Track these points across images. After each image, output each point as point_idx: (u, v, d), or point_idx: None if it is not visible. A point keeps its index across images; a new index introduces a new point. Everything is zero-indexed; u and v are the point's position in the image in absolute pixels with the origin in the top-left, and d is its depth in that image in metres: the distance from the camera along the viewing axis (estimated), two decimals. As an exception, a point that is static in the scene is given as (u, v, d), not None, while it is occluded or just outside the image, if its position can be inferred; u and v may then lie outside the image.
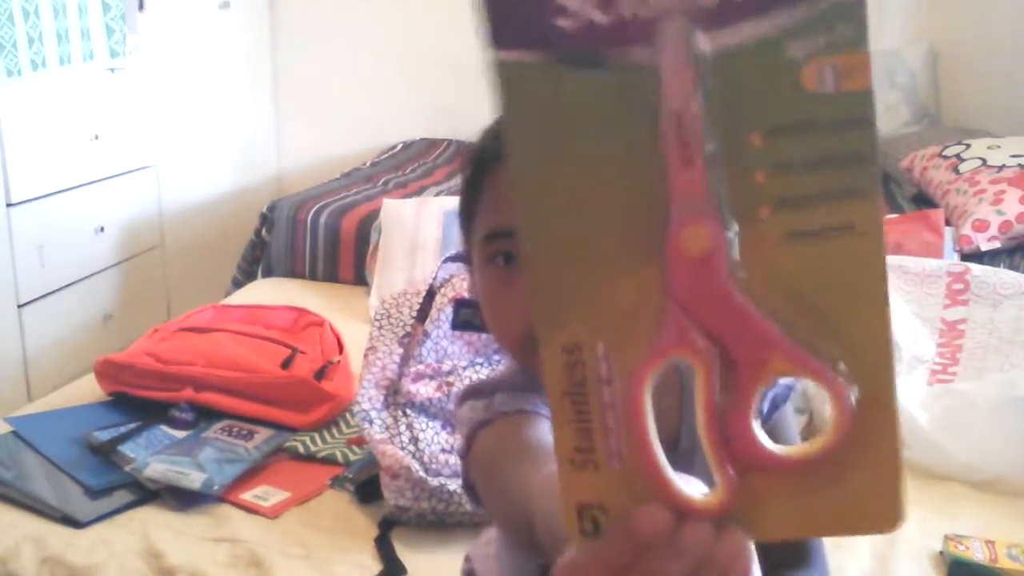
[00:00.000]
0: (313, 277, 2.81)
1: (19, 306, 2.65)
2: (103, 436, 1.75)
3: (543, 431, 0.76)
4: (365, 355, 1.73)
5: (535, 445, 0.75)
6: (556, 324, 0.44)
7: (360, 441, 1.75)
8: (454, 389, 1.65)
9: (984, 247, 2.43)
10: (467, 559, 1.12)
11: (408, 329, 1.72)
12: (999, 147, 2.79)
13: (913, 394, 1.88)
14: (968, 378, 1.94)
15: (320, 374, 1.93)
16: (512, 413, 0.80)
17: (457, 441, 0.95)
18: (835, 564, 1.47)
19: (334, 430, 1.84)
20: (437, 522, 1.53)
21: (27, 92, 2.62)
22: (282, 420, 1.83)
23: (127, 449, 1.71)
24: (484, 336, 1.69)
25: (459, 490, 1.53)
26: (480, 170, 0.82)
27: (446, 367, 1.70)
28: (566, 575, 0.46)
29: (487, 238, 0.80)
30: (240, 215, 3.48)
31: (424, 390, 1.66)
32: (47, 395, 2.08)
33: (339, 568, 1.44)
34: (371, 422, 1.63)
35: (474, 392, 0.86)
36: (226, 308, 2.26)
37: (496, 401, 0.82)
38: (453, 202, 2.74)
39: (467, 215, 0.84)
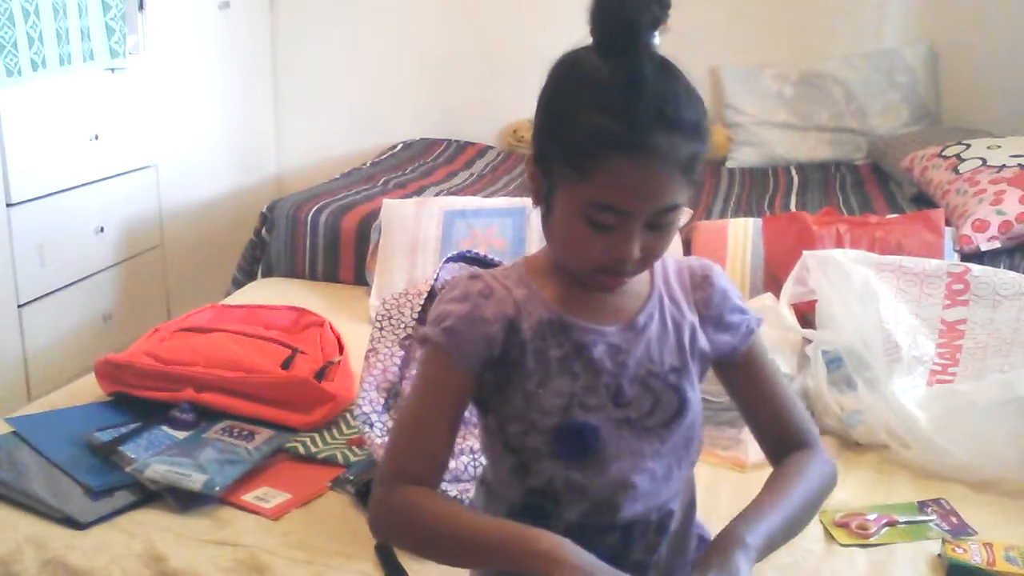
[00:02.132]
0: (313, 277, 2.81)
1: (19, 306, 2.65)
2: (103, 436, 1.75)
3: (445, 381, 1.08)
4: (366, 356, 1.73)
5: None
6: None
7: (361, 442, 1.75)
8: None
9: (984, 247, 2.43)
10: None
11: (409, 331, 1.72)
12: (999, 147, 2.79)
13: (913, 394, 1.88)
14: (968, 378, 1.94)
15: (320, 374, 1.93)
16: (440, 346, 1.07)
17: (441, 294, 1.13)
18: (832, 568, 1.48)
19: (335, 431, 1.84)
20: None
21: (27, 92, 2.62)
22: (283, 420, 1.83)
23: (128, 450, 1.71)
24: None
25: (460, 495, 1.53)
26: (597, 145, 0.96)
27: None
28: None
29: (597, 206, 0.98)
30: (240, 215, 3.48)
31: (424, 391, 1.66)
32: (47, 395, 2.07)
33: (342, 575, 1.44)
34: (371, 425, 1.63)
35: (456, 283, 1.11)
36: (226, 308, 2.26)
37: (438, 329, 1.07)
38: (453, 202, 2.75)
39: (573, 169, 0.98)
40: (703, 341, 1.13)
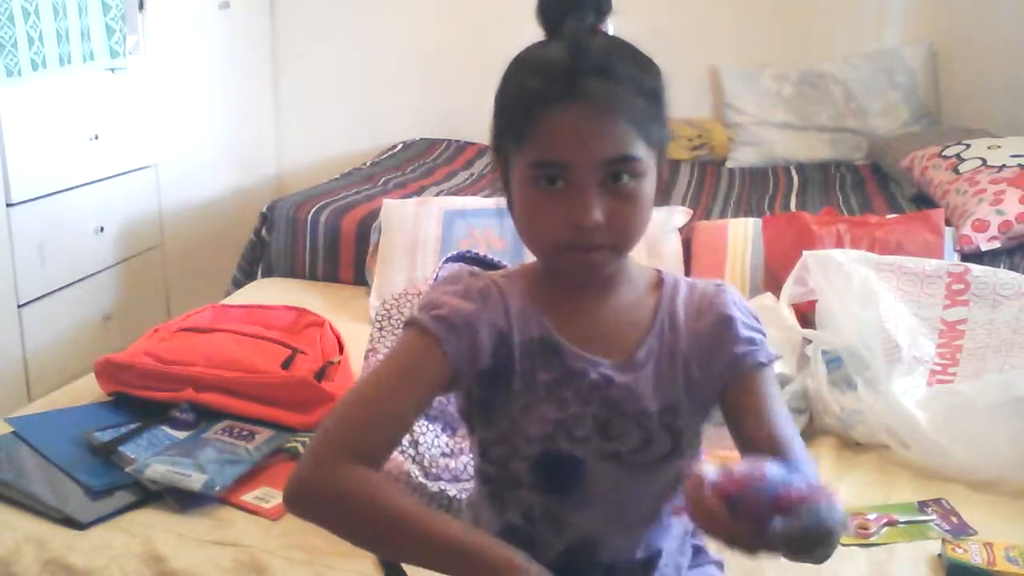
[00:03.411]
0: (313, 277, 2.81)
1: (19, 306, 2.65)
2: (103, 436, 1.74)
3: (423, 362, 1.00)
4: (366, 357, 1.73)
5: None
6: None
7: (360, 442, 1.75)
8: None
9: (984, 247, 2.43)
10: None
11: (409, 330, 1.72)
12: (999, 147, 2.79)
13: (913, 394, 1.88)
14: (968, 378, 1.94)
15: (320, 374, 1.93)
16: (425, 331, 1.00)
17: (433, 288, 1.07)
18: (832, 567, 1.48)
19: (334, 431, 1.83)
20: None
21: (27, 92, 2.62)
22: (283, 420, 1.82)
23: (128, 450, 1.70)
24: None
25: (459, 495, 1.53)
26: (533, 105, 0.96)
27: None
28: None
29: (537, 164, 0.96)
30: (240, 215, 3.48)
31: (424, 391, 1.65)
32: (47, 395, 2.07)
33: (341, 575, 1.44)
34: (371, 424, 1.62)
35: (457, 278, 1.06)
36: (226, 308, 2.26)
37: (428, 316, 1.01)
38: (453, 202, 2.75)
39: (511, 138, 0.99)
40: (698, 374, 1.03)
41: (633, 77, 0.97)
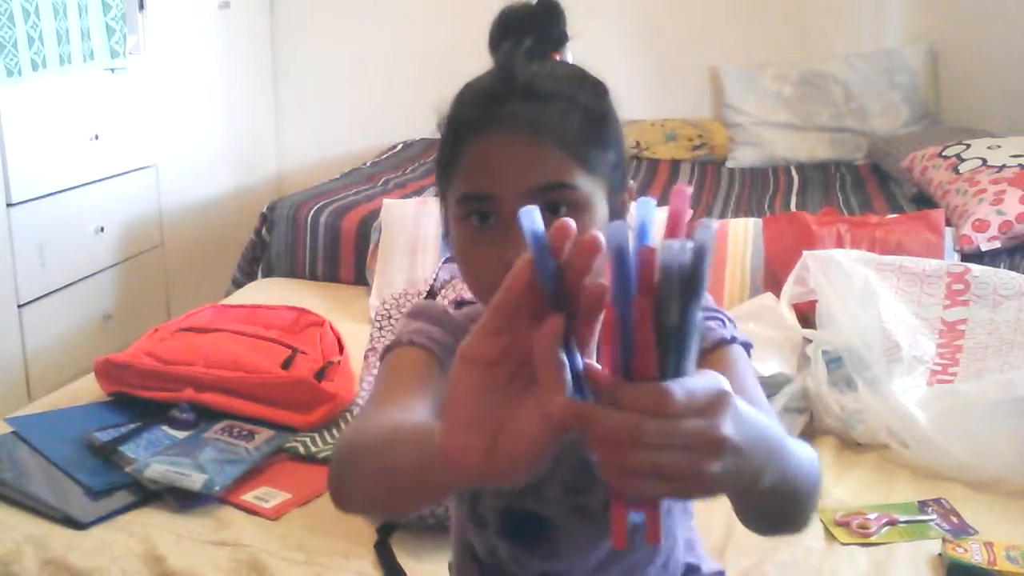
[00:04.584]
0: (313, 277, 2.81)
1: (19, 306, 2.65)
2: (103, 437, 1.74)
3: (416, 364, 0.90)
4: (365, 356, 1.73)
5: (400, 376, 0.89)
6: None
7: (360, 442, 1.74)
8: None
9: (984, 247, 2.43)
10: (451, 567, 1.11)
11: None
12: (999, 147, 2.79)
13: (913, 394, 1.88)
14: (968, 378, 1.94)
15: (320, 374, 1.93)
16: (410, 344, 0.91)
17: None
18: (832, 566, 1.48)
19: (335, 431, 1.83)
20: (437, 526, 1.53)
21: (27, 92, 2.62)
22: (283, 420, 1.82)
23: (127, 450, 1.70)
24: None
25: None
26: (460, 136, 0.89)
27: (446, 368, 1.70)
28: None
29: (463, 199, 0.88)
30: (240, 215, 3.48)
31: (424, 391, 1.65)
32: (47, 395, 2.07)
33: (341, 575, 1.44)
34: (371, 423, 1.62)
35: (419, 314, 0.96)
36: (226, 308, 2.26)
37: (408, 330, 0.93)
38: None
39: (444, 176, 0.92)
40: None
41: (566, 96, 0.87)
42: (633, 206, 0.57)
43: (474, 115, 0.88)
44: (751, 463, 0.61)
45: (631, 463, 0.56)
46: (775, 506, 0.75)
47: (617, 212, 0.91)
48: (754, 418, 0.62)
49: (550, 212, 0.84)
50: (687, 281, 0.55)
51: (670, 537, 0.98)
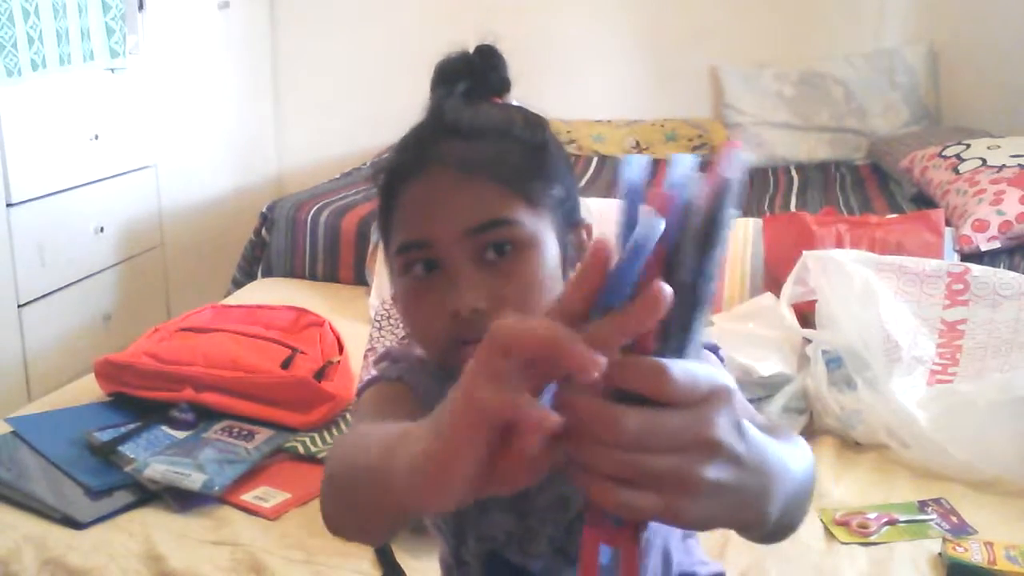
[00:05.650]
0: (313, 277, 2.81)
1: (19, 306, 2.65)
2: (103, 436, 1.75)
3: (399, 399, 0.84)
4: (365, 356, 1.73)
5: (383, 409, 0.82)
6: None
7: (360, 441, 1.74)
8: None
9: (984, 247, 2.43)
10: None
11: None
12: (999, 147, 2.79)
13: (913, 394, 1.88)
14: (968, 378, 1.94)
15: (320, 374, 1.93)
16: (393, 380, 0.86)
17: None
18: (832, 566, 1.48)
19: (334, 430, 1.84)
20: (437, 525, 1.53)
21: (27, 92, 2.62)
22: (282, 420, 1.83)
23: (127, 449, 1.71)
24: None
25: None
26: (393, 185, 0.84)
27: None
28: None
29: (401, 248, 0.83)
30: (240, 215, 3.48)
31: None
32: (47, 395, 2.08)
33: (340, 574, 1.44)
34: (371, 423, 1.62)
35: (386, 356, 0.91)
36: (226, 308, 2.26)
37: (386, 368, 0.88)
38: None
39: (383, 231, 0.87)
40: None
41: (501, 129, 0.84)
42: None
43: (404, 160, 0.84)
44: (753, 480, 0.52)
45: (607, 461, 0.47)
46: (777, 525, 0.67)
47: (569, 252, 0.85)
48: (758, 434, 0.54)
49: (496, 253, 0.80)
50: (706, 224, 0.46)
51: None
